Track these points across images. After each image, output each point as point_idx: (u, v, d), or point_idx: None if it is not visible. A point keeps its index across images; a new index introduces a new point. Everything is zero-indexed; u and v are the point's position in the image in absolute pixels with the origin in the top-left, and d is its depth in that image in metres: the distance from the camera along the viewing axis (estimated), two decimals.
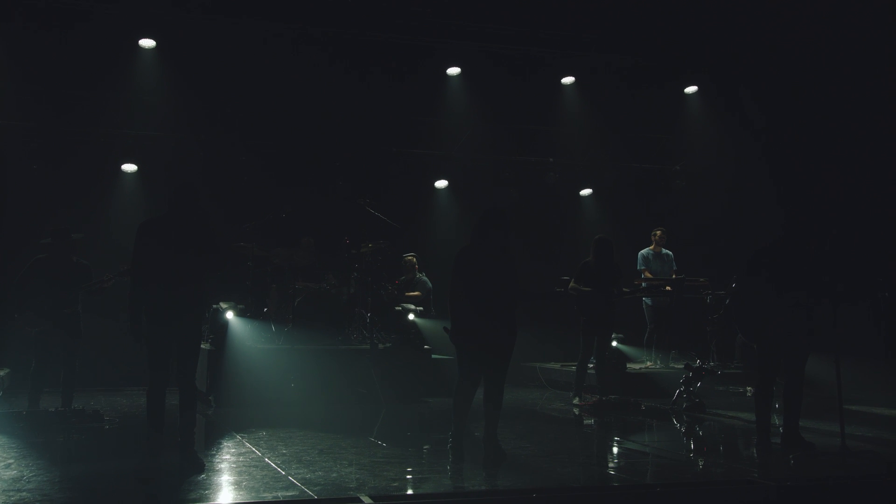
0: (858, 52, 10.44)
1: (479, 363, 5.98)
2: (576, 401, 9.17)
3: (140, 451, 5.68)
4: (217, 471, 5.67)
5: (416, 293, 10.90)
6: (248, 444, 6.54)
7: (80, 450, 6.71)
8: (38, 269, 7.72)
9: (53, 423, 7.29)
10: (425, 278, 11.12)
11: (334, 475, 5.45)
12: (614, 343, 10.18)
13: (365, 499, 4.76)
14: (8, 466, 5.64)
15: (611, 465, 6.55)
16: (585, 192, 13.48)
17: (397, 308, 10.41)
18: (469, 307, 5.92)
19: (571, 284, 9.21)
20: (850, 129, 10.67)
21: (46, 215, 10.00)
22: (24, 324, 7.67)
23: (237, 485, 5.31)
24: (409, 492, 5.31)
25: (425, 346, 9.73)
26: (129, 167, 11.38)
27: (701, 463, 6.61)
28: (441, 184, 12.88)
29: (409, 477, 5.64)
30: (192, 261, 5.70)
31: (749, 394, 9.47)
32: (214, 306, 9.52)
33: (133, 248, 5.72)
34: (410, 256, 11.18)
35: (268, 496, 4.91)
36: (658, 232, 11.13)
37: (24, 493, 4.89)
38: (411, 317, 10.27)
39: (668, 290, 10.44)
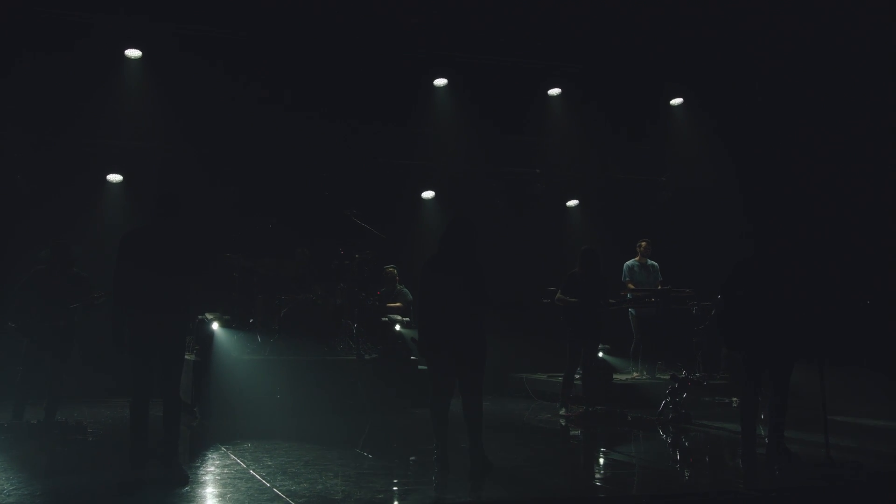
0: (834, 69, 10.59)
1: (447, 374, 5.95)
2: (562, 411, 9.17)
3: (123, 463, 5.63)
4: (201, 483, 5.62)
5: (397, 304, 10.89)
6: (233, 456, 6.50)
7: (62, 462, 6.63)
8: (36, 282, 7.69)
9: (36, 436, 7.22)
10: (406, 290, 11.11)
11: (319, 487, 5.42)
12: (601, 354, 10.18)
13: None
14: None
15: (597, 476, 6.55)
16: (572, 202, 13.53)
17: (384, 319, 10.39)
18: (435, 318, 5.90)
19: (558, 295, 9.24)
20: (821, 140, 10.81)
21: (31, 225, 9.96)
22: (16, 334, 7.63)
23: (221, 497, 5.27)
24: (395, 503, 5.29)
25: (411, 357, 9.71)
26: (115, 177, 11.33)
27: (687, 474, 6.63)
28: (428, 195, 12.89)
29: (395, 488, 5.62)
30: (176, 273, 5.66)
31: (735, 404, 9.50)
32: (200, 317, 9.47)
33: (116, 260, 5.67)
34: (391, 268, 11.16)
35: None
36: (643, 243, 11.17)
37: None
38: (398, 328, 10.25)
39: (654, 301, 10.47)
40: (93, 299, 7.71)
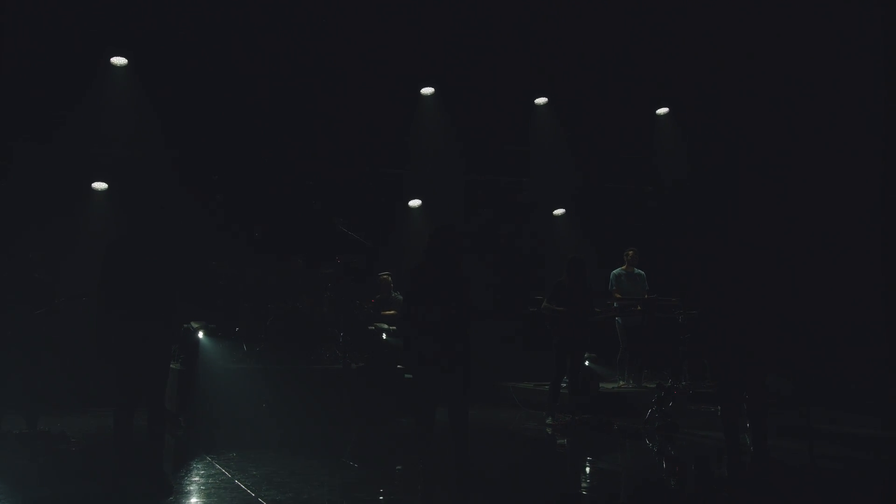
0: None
1: (433, 384, 5.94)
2: (549, 420, 9.17)
3: (107, 474, 5.58)
4: (185, 493, 5.59)
5: (391, 312, 10.86)
6: (218, 466, 6.47)
7: (45, 473, 6.56)
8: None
9: (18, 446, 7.14)
10: (400, 297, 11.07)
11: (305, 497, 5.40)
12: (587, 362, 10.19)
13: None
14: None
15: (583, 485, 6.55)
16: (558, 211, 13.56)
17: (370, 328, 10.37)
18: (419, 329, 5.88)
19: (544, 304, 9.25)
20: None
21: (15, 233, 9.89)
22: None
23: None
24: None
25: (398, 366, 9.69)
26: (100, 185, 11.28)
27: (673, 482, 6.64)
28: (414, 203, 12.89)
29: (381, 498, 5.60)
30: (161, 281, 5.63)
31: (720, 412, 9.52)
32: (185, 325, 9.42)
33: (101, 268, 5.64)
34: (386, 275, 11.12)
35: None
36: (630, 252, 11.19)
37: None
38: (384, 336, 10.23)
39: (640, 310, 10.50)
40: (53, 307, 7.66)
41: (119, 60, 10.74)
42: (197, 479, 6.05)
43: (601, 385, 10.42)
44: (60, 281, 8.16)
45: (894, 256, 9.66)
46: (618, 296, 10.87)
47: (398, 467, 6.77)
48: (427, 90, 12.16)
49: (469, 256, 6.12)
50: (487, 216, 12.68)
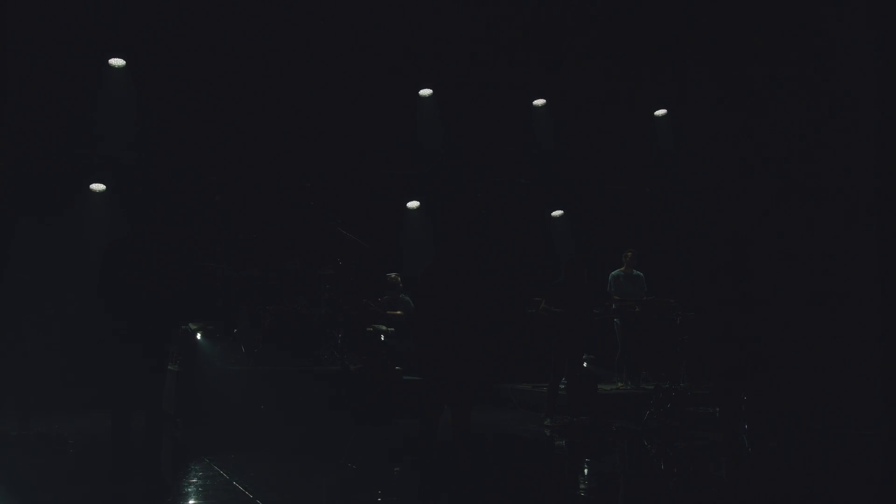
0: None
1: (437, 386, 5.92)
2: (547, 422, 9.16)
3: (104, 476, 5.58)
4: (183, 495, 5.58)
5: (397, 312, 10.85)
6: (216, 467, 6.45)
7: (42, 476, 6.54)
8: None
9: (14, 448, 7.13)
10: (408, 298, 11.05)
11: (303, 498, 5.40)
12: (585, 364, 10.18)
13: None
14: None
15: (581, 487, 6.54)
16: (556, 213, 13.56)
17: (369, 329, 10.36)
18: (426, 332, 5.86)
19: (542, 305, 9.24)
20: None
21: (10, 236, 9.87)
22: None
23: None
24: None
25: (396, 368, 9.68)
26: (98, 186, 11.26)
27: (671, 485, 6.64)
28: (413, 204, 12.88)
29: (379, 500, 5.60)
30: (159, 284, 5.63)
31: (718, 414, 9.51)
32: (183, 327, 9.41)
33: (99, 271, 5.64)
34: (394, 276, 11.09)
35: None
36: (629, 253, 11.18)
37: None
38: (382, 338, 10.22)
39: (638, 311, 10.50)
40: (48, 307, 7.66)
41: (117, 62, 10.73)
42: (195, 480, 6.04)
43: (599, 386, 10.41)
44: (55, 282, 8.13)
45: (892, 255, 9.67)
46: (616, 297, 10.86)
47: (396, 469, 6.77)
48: (425, 91, 12.15)
49: (474, 260, 6.13)
50: (485, 218, 12.67)
